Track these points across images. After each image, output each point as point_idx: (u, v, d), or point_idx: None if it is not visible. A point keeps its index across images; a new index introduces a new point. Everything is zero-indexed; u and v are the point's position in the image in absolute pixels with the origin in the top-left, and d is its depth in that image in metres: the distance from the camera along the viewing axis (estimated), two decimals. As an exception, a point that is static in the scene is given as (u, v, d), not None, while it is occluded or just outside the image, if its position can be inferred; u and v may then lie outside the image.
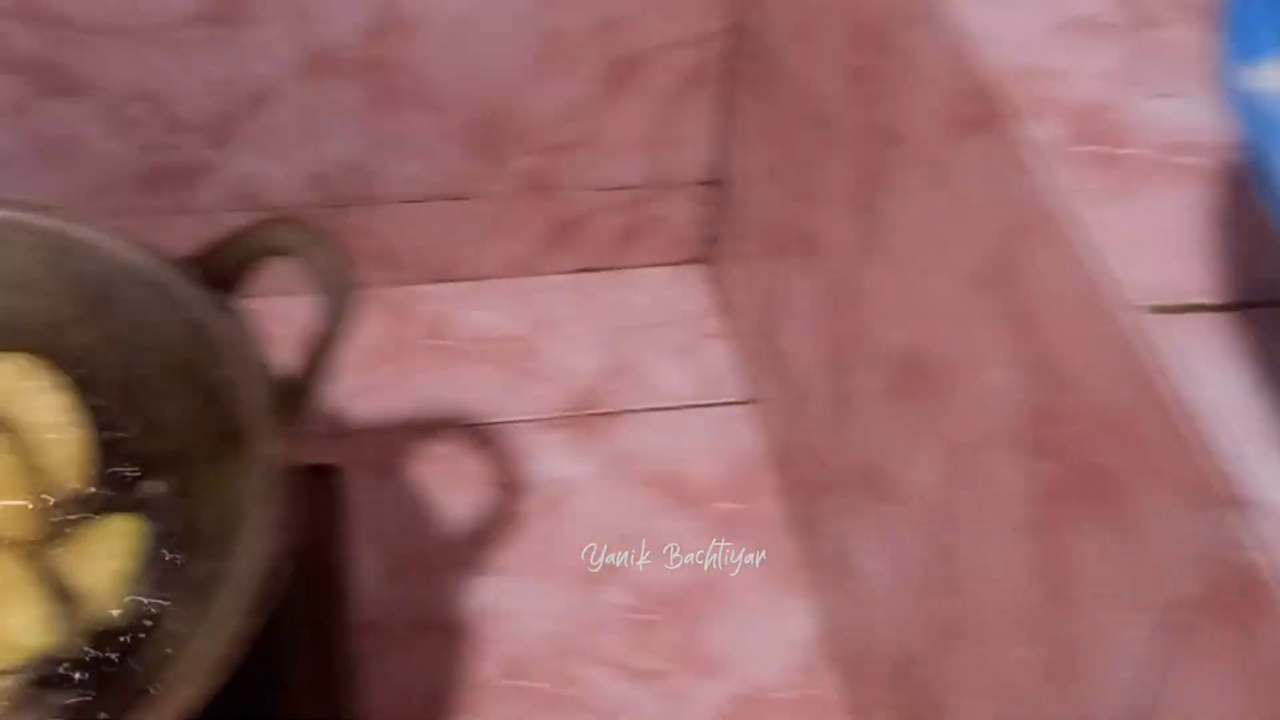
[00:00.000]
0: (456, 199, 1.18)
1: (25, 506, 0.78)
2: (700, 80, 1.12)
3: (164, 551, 0.77)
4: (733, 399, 1.18)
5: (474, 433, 1.14)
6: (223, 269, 0.81)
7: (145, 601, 0.76)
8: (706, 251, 1.25)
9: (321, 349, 0.74)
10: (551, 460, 1.14)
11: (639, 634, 1.04)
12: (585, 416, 1.17)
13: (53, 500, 0.79)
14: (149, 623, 0.75)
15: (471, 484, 1.12)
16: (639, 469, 1.14)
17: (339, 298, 0.74)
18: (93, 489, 0.81)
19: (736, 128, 1.14)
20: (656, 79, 1.12)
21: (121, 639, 0.75)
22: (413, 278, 1.22)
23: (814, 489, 1.03)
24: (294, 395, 0.75)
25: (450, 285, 1.23)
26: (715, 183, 1.20)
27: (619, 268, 1.26)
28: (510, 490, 1.11)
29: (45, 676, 0.73)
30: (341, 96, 1.09)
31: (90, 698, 0.73)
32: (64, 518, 0.79)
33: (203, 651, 0.67)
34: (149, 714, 0.66)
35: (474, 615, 1.04)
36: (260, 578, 0.69)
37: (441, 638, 1.03)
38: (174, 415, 0.81)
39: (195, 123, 1.11)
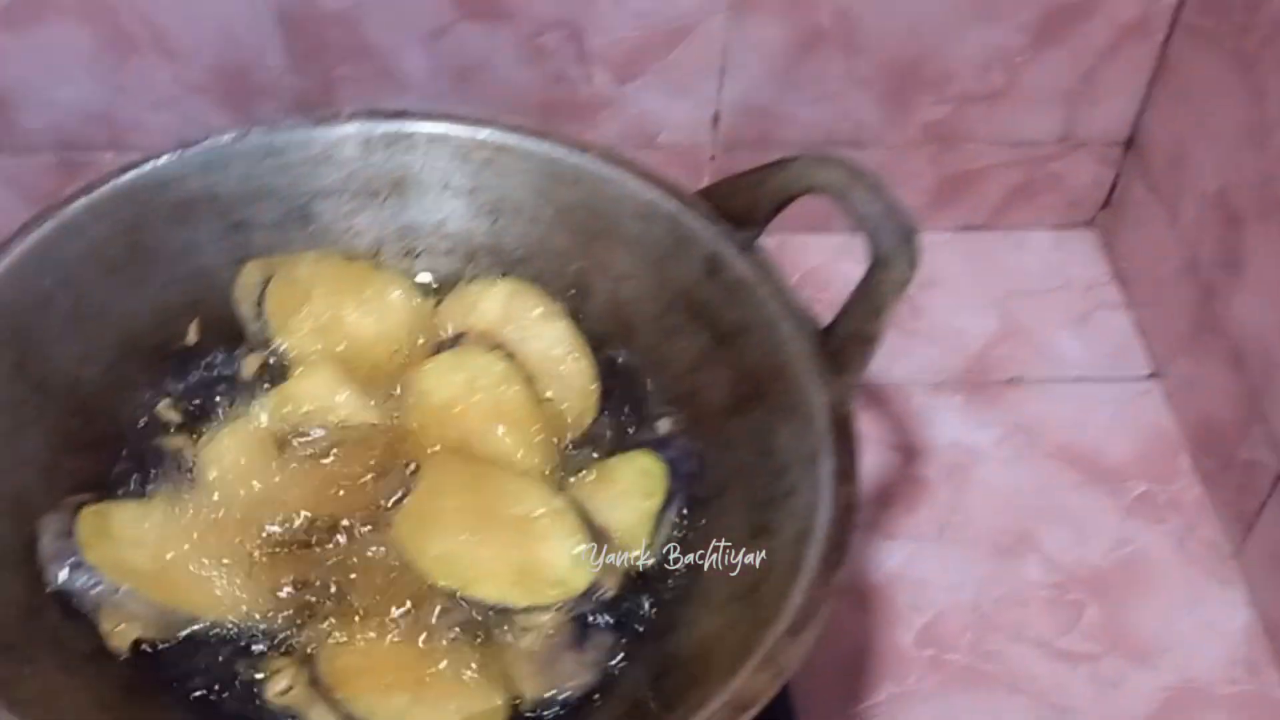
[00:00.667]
0: (852, 146, 1.12)
1: (541, 438, 0.74)
2: (1141, 33, 1.05)
3: (685, 495, 0.73)
4: (1139, 373, 1.12)
5: (865, 391, 1.09)
6: (742, 205, 0.76)
7: (675, 547, 0.72)
8: (1099, 215, 1.18)
9: (872, 298, 0.69)
10: (950, 425, 1.08)
11: (1061, 613, 0.98)
12: (982, 382, 1.11)
13: (567, 433, 0.75)
14: (679, 570, 0.71)
15: (868, 444, 1.06)
16: (1045, 441, 1.08)
17: (891, 243, 0.69)
18: (602, 424, 0.76)
19: (1169, 84, 1.07)
20: (1094, 30, 1.05)
21: (651, 584, 0.71)
22: (790, 226, 1.16)
23: (1248, 472, 0.96)
24: (841, 345, 0.70)
25: (828, 236, 1.17)
26: (1128, 143, 1.12)
27: (1006, 228, 1.19)
28: (910, 454, 1.06)
29: (580, 618, 0.69)
30: (760, 30, 1.03)
31: (622, 642, 0.69)
32: (578, 452, 0.75)
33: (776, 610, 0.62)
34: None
35: (886, 580, 0.99)
36: (833, 532, 0.64)
37: (855, 600, 0.98)
38: (680, 354, 0.77)
39: (605, 56, 1.06)
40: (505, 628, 0.68)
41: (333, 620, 0.69)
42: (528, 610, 0.68)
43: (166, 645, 0.68)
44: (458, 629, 0.68)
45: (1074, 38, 1.07)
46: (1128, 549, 1.03)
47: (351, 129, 0.81)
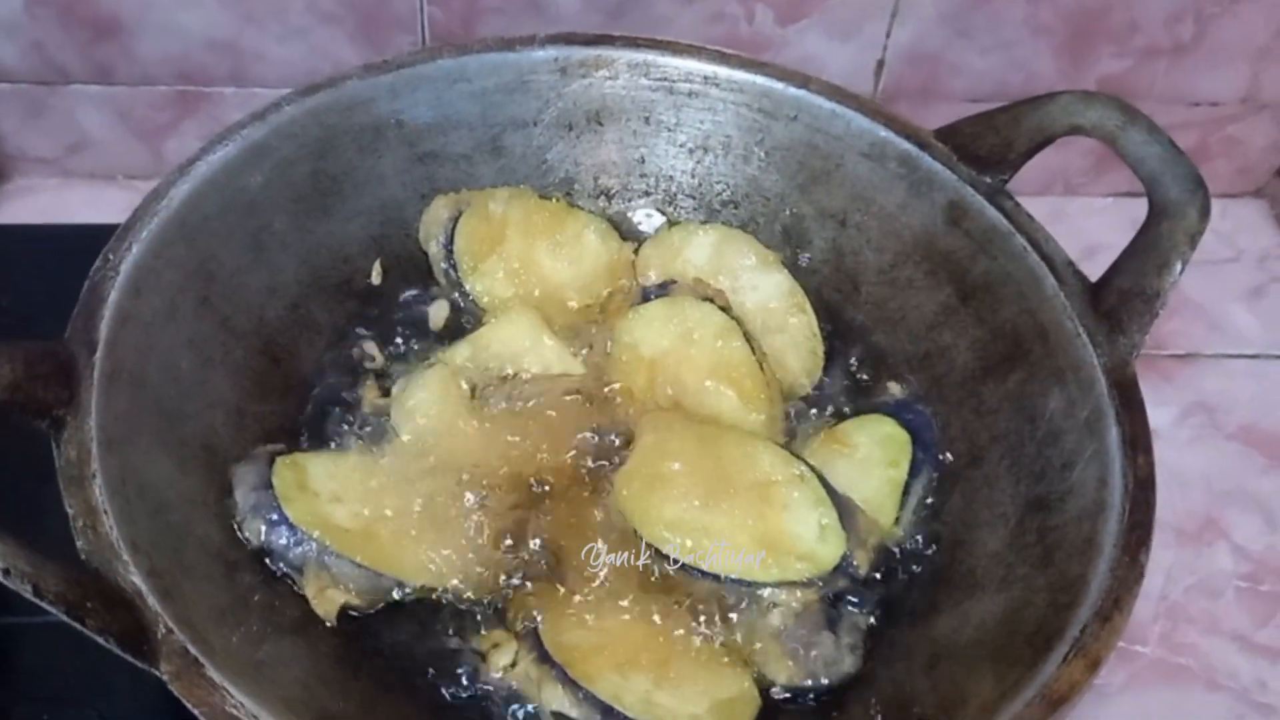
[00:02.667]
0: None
1: (766, 397, 0.67)
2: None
3: (934, 465, 0.66)
4: (1323, 351, 1.05)
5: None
6: (990, 147, 0.69)
7: (927, 519, 0.64)
8: (1270, 183, 1.11)
9: (1156, 250, 0.61)
10: (1126, 401, 1.01)
11: (1258, 605, 0.92)
12: (1155, 357, 1.04)
13: (795, 393, 0.68)
14: (936, 547, 0.64)
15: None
16: (1226, 421, 1.01)
17: (1178, 190, 0.61)
18: (828, 385, 0.69)
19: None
20: (1296, -17, 0.98)
21: (905, 561, 0.64)
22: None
23: None
24: (1118, 302, 0.62)
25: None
26: (1314, 107, 1.06)
27: (1174, 195, 1.12)
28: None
29: (830, 597, 0.62)
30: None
31: (876, 622, 0.62)
32: (803, 415, 0.68)
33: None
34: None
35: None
36: (1133, 507, 0.57)
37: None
38: (915, 310, 0.70)
39: (771, -4, 0.99)
40: (747, 604, 0.61)
41: (550, 590, 0.61)
42: (773, 585, 0.60)
43: (375, 612, 0.61)
44: (694, 604, 0.60)
45: (1272, -9, 1.00)
46: (1327, 540, 0.96)
47: (548, 54, 0.74)
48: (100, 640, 0.49)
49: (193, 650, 0.51)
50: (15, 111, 1.02)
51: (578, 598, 0.62)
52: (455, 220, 0.73)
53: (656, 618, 0.61)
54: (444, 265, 0.72)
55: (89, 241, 0.63)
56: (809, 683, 0.60)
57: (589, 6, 0.99)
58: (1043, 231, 0.67)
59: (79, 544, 0.53)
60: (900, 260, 0.71)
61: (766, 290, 0.71)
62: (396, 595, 0.62)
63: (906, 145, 0.70)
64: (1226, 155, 1.12)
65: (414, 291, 0.74)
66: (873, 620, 0.63)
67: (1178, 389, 1.03)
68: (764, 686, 0.61)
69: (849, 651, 0.61)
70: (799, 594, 0.61)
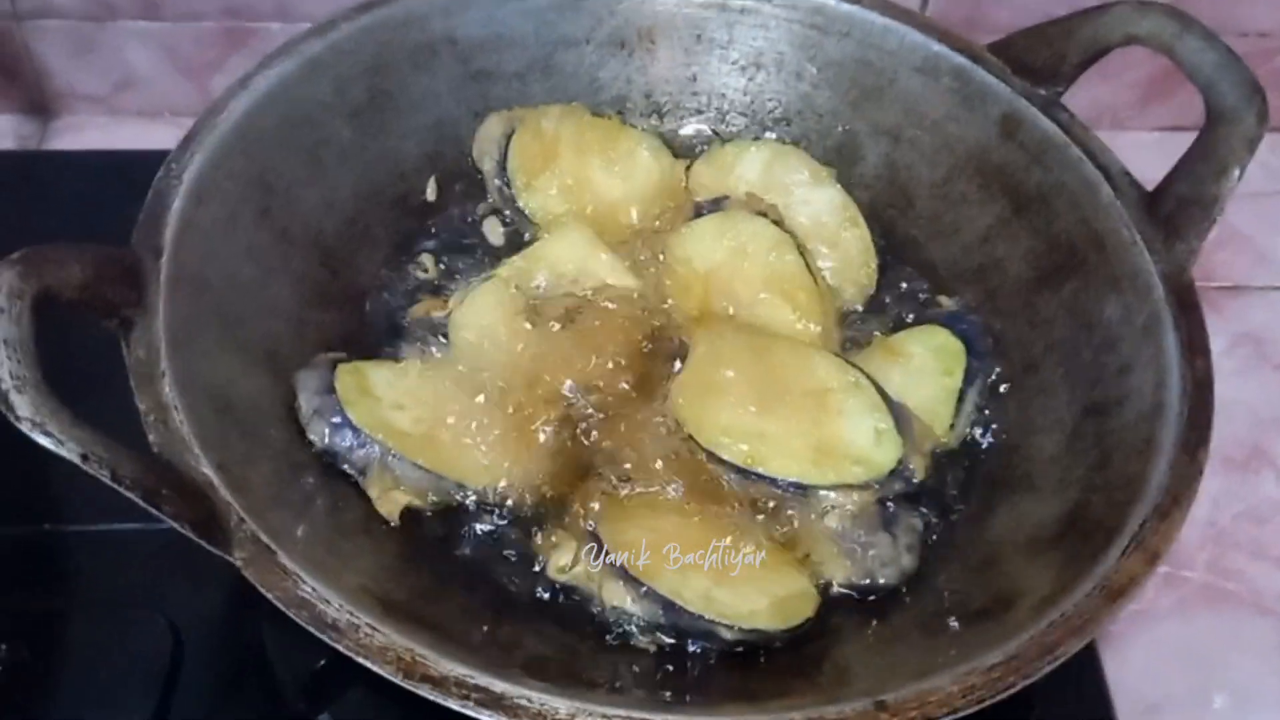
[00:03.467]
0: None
1: (820, 309, 0.67)
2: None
3: (988, 372, 0.66)
4: (1371, 283, 1.04)
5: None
6: (1044, 59, 0.69)
7: (980, 426, 0.65)
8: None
9: (1215, 156, 0.61)
10: (1172, 333, 1.00)
11: (1302, 532, 0.91)
12: (1202, 288, 1.03)
13: (849, 306, 0.68)
14: (993, 452, 0.64)
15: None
16: (1274, 351, 1.00)
17: (1235, 96, 0.61)
18: (882, 298, 0.69)
19: None
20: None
21: (961, 465, 0.64)
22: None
23: None
24: (1175, 208, 0.62)
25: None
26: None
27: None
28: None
29: (884, 500, 0.62)
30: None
31: (933, 524, 0.62)
32: (858, 328, 0.68)
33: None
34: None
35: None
36: (1192, 407, 0.57)
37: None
38: (968, 223, 0.70)
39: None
40: (802, 507, 0.61)
41: (610, 492, 0.62)
42: (831, 489, 0.60)
43: (436, 513, 0.61)
44: (751, 507, 0.61)
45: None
46: (1372, 469, 0.96)
47: (601, -29, 0.73)
48: (176, 526, 0.50)
49: (264, 538, 0.52)
50: (64, 48, 1.02)
51: (636, 500, 0.62)
52: (509, 137, 0.73)
53: (714, 520, 0.61)
54: (498, 182, 0.73)
55: (139, 169, 0.64)
56: (866, 581, 0.61)
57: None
58: (1098, 141, 0.67)
59: (151, 438, 0.54)
60: (954, 174, 0.71)
61: (819, 205, 0.71)
62: (458, 497, 0.62)
63: (960, 59, 0.70)
64: (1275, 87, 1.10)
65: (469, 207, 0.74)
66: (930, 521, 0.63)
67: (1225, 320, 1.03)
68: (822, 584, 0.61)
69: (906, 551, 0.61)
70: (855, 497, 0.61)
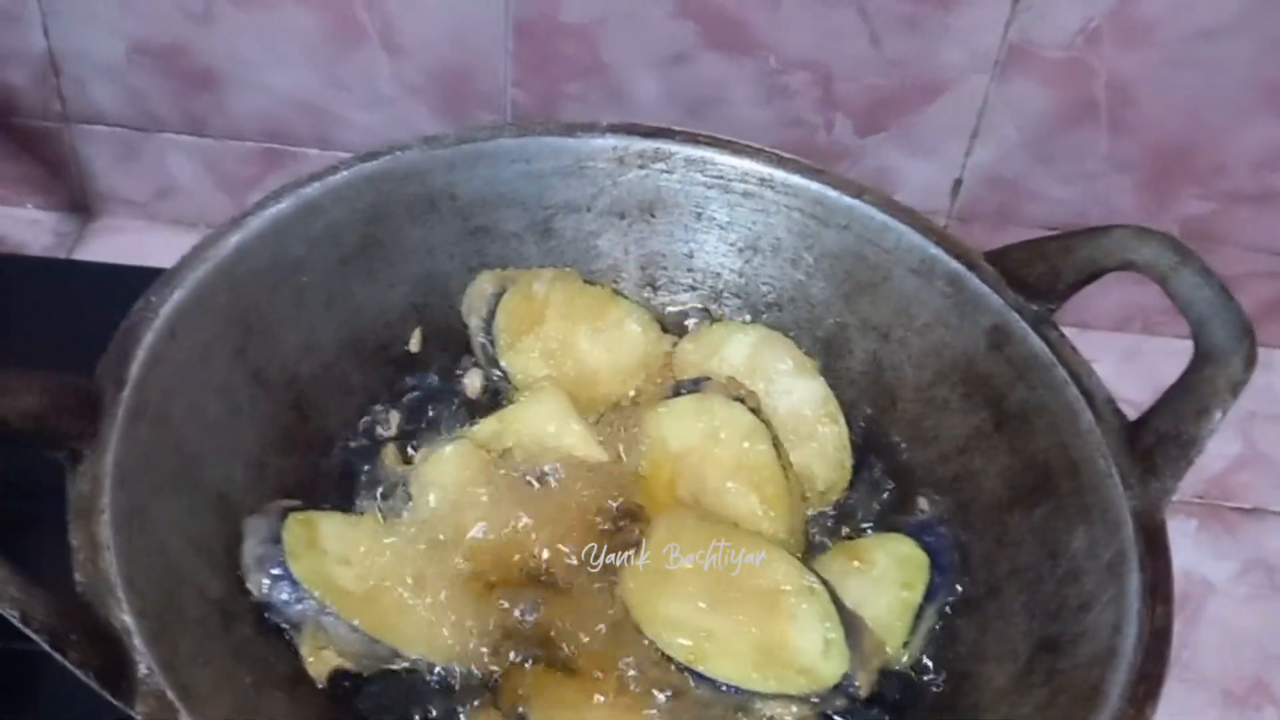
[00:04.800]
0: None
1: (788, 504, 0.66)
2: None
3: (950, 591, 0.64)
4: (1394, 515, 1.01)
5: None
6: (1040, 275, 0.68)
7: (936, 647, 0.63)
8: (1353, 341, 1.08)
9: (1198, 396, 0.60)
10: (1183, 552, 0.97)
11: (1301, 776, 0.87)
12: (1220, 508, 1.01)
13: (818, 504, 0.67)
14: (943, 677, 0.62)
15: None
16: (1288, 578, 0.97)
17: (1225, 336, 0.60)
18: (853, 499, 0.68)
19: None
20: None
21: (907, 688, 0.62)
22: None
23: None
24: (1155, 444, 0.61)
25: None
26: (1401, 262, 1.03)
27: (1254, 345, 1.09)
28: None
29: (830, 712, 0.60)
30: (1024, 96, 0.95)
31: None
32: (824, 528, 0.67)
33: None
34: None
35: None
36: (1145, 658, 0.55)
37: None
38: (949, 431, 0.69)
39: (851, 103, 0.99)
40: (739, 714, 0.59)
41: (545, 676, 0.60)
42: (771, 697, 0.59)
43: (366, 679, 0.60)
44: (689, 707, 0.59)
45: (1363, 143, 0.98)
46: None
47: (608, 142, 0.74)
48: (79, 674, 0.50)
49: (170, 694, 0.51)
50: (109, 153, 1.05)
51: (571, 686, 0.61)
52: (499, 296, 0.73)
53: (649, 714, 0.60)
54: (482, 339, 0.73)
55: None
56: None
57: (670, 101, 1.00)
58: (1085, 365, 0.65)
59: (77, 577, 0.54)
60: (939, 379, 0.70)
61: (801, 396, 0.71)
62: (391, 664, 0.61)
63: (955, 265, 0.70)
64: (1302, 312, 1.09)
65: (450, 364, 0.74)
66: (882, 720, 0.61)
67: (1240, 543, 1.01)
68: (752, 798, 0.59)
69: (841, 774, 0.59)
70: (794, 709, 0.59)
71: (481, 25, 0.96)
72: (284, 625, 0.60)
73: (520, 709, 0.60)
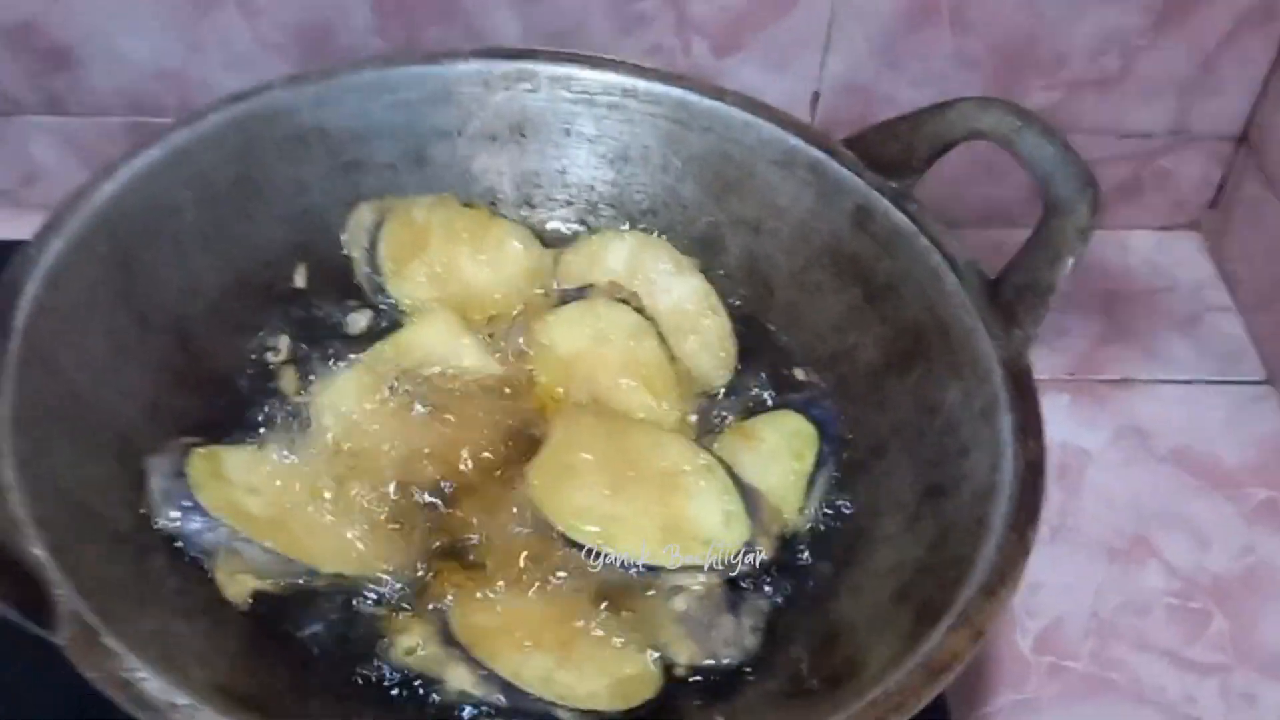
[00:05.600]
0: (956, 134, 1.07)
1: (677, 394, 0.68)
2: (1262, 18, 1.01)
3: (838, 457, 0.67)
4: (1251, 377, 1.06)
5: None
6: (895, 153, 0.71)
7: (828, 508, 0.66)
8: (1205, 217, 1.13)
9: (1050, 246, 0.63)
10: (1058, 426, 1.02)
11: (1187, 621, 0.93)
12: (1089, 382, 1.06)
13: (705, 392, 0.69)
14: (838, 534, 0.65)
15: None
16: (1158, 444, 1.02)
17: (1069, 188, 0.64)
18: (739, 384, 0.71)
19: (1288, 76, 1.03)
20: (1215, 14, 1.00)
21: (807, 548, 0.65)
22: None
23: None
24: (1015, 296, 0.64)
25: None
26: (1241, 139, 1.08)
27: (1108, 227, 1.14)
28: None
29: (732, 581, 0.63)
30: (869, 2, 0.98)
31: (778, 604, 0.63)
32: (714, 413, 0.69)
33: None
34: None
35: (998, 581, 0.93)
36: (1022, 488, 0.59)
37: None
38: (824, 311, 0.72)
39: (706, 25, 1.01)
40: (651, 590, 0.62)
41: (461, 576, 0.62)
42: (678, 570, 0.61)
43: (285, 596, 0.61)
44: (601, 589, 0.61)
45: (1195, 21, 1.02)
46: (1251, 557, 0.97)
47: (472, 67, 0.76)
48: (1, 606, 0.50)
49: (90, 619, 0.52)
50: (-32, 144, 1.03)
51: (487, 586, 0.63)
52: (379, 225, 0.74)
53: (562, 603, 0.62)
54: (366, 269, 0.74)
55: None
56: (710, 661, 0.61)
57: (529, 37, 1.01)
58: (946, 232, 0.69)
59: (-15, 518, 0.54)
60: (810, 264, 0.73)
61: (681, 293, 0.73)
62: (307, 582, 0.62)
63: (816, 153, 0.72)
64: (1160, 189, 1.14)
65: (337, 296, 0.75)
66: (775, 603, 0.64)
67: (1111, 413, 1.05)
68: (667, 665, 0.61)
69: (750, 632, 0.62)
70: (701, 578, 0.62)
71: (336, -25, 0.96)
72: (198, 555, 0.61)
73: (440, 607, 0.61)
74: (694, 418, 0.69)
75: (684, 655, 0.61)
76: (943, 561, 0.58)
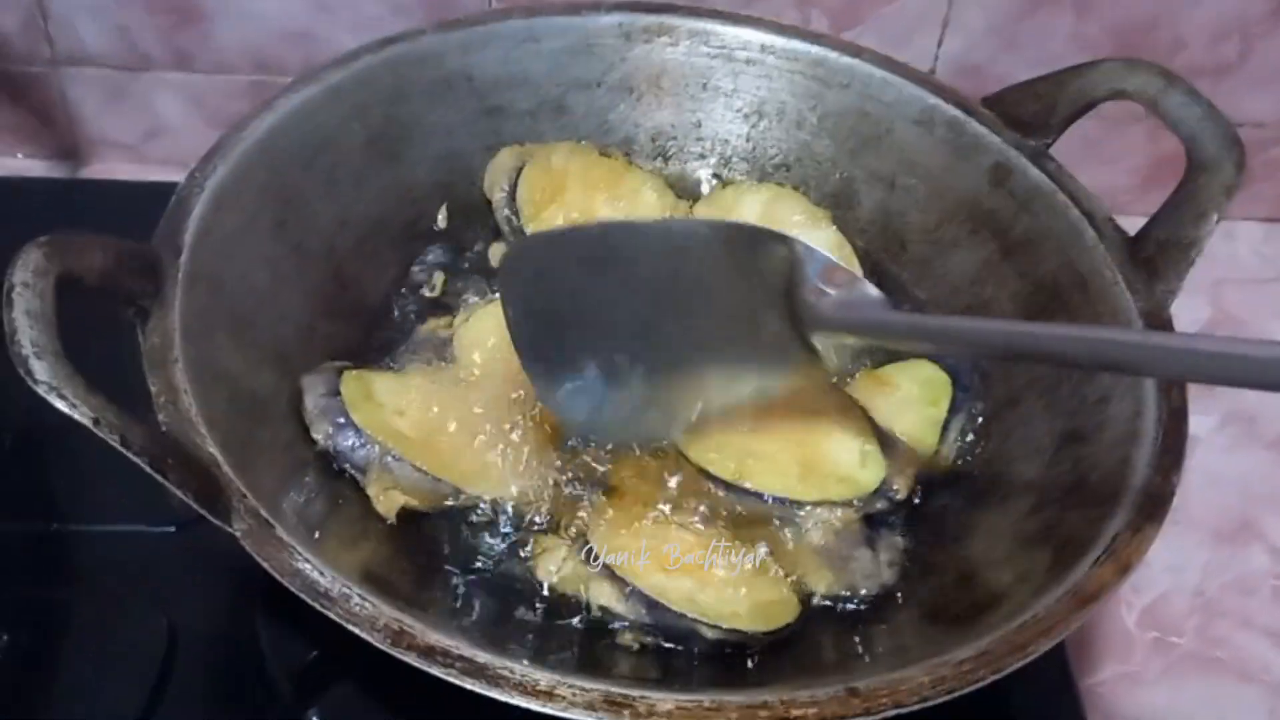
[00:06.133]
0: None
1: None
2: (1387, 8, 1.01)
3: (972, 404, 0.68)
4: (1361, 367, 1.05)
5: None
6: (1033, 112, 0.72)
7: (965, 454, 0.67)
8: (1313, 209, 1.13)
9: (1195, 202, 0.64)
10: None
11: (1293, 603, 0.92)
12: (1197, 368, 1.05)
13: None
14: (975, 476, 0.66)
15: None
16: (1264, 430, 1.02)
17: (1215, 146, 0.64)
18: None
19: None
20: (1338, 3, 1.00)
21: (944, 488, 0.66)
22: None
23: None
24: (1157, 251, 0.65)
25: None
26: (1356, 130, 1.08)
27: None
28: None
29: (873, 514, 0.64)
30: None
31: (915, 541, 0.64)
32: (852, 360, 0.70)
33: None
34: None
35: (1104, 557, 0.93)
36: (1166, 433, 0.59)
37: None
38: (959, 266, 0.73)
39: (827, 1, 1.02)
40: (788, 524, 0.63)
41: (601, 504, 0.64)
42: (815, 505, 0.62)
43: (432, 513, 0.63)
44: (738, 520, 0.62)
45: (1317, 10, 1.02)
46: (1357, 542, 0.97)
47: (613, 19, 0.77)
48: (179, 494, 0.52)
49: (264, 513, 0.54)
50: (97, 96, 1.05)
51: (627, 512, 0.64)
52: (519, 170, 0.76)
53: (701, 530, 0.63)
54: (506, 212, 0.76)
55: (167, 199, 0.67)
56: (847, 592, 0.62)
57: (655, 7, 1.02)
58: (1084, 189, 0.69)
59: (160, 417, 0.56)
60: (945, 220, 0.74)
61: (815, 243, 0.74)
62: (452, 501, 0.64)
63: (954, 111, 0.73)
64: (1270, 179, 1.14)
65: (477, 236, 0.76)
66: (912, 540, 0.64)
67: (1218, 399, 1.05)
68: (804, 595, 0.62)
69: (887, 566, 0.63)
70: (839, 513, 0.63)
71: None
72: (351, 471, 0.63)
73: (582, 530, 0.62)
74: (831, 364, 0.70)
75: (821, 585, 0.62)
76: (1085, 501, 0.59)
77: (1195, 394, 1.03)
